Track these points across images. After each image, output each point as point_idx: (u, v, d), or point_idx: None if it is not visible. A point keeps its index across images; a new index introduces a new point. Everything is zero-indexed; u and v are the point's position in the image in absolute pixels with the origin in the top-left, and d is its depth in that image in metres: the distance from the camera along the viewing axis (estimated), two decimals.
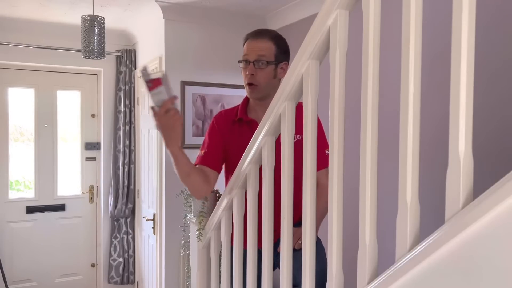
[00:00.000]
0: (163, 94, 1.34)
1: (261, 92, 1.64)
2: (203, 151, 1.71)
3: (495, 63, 1.73)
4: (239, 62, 1.66)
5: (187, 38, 3.07)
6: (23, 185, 3.80)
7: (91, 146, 3.92)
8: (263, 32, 1.65)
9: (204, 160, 1.67)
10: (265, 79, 1.62)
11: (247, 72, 1.61)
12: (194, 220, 1.75)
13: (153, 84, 1.32)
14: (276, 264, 1.38)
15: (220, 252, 1.64)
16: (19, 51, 3.44)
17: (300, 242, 1.42)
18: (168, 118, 1.36)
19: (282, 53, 1.65)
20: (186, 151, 3.31)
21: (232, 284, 1.57)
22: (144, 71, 1.34)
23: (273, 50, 1.62)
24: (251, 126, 1.67)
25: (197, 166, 1.68)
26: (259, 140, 1.33)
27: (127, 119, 3.68)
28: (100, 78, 3.86)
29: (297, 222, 1.38)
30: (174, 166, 1.54)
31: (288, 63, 1.67)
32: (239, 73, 1.76)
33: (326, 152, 1.67)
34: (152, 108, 1.37)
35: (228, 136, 1.71)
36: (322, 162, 1.60)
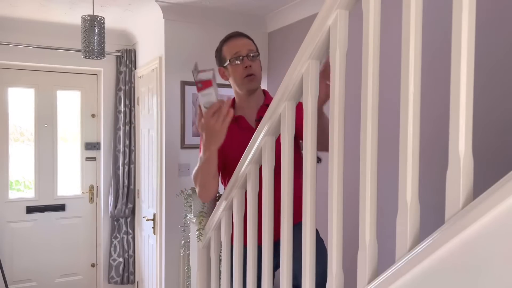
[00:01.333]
0: (212, 96, 1.35)
1: (258, 82, 1.72)
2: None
3: (495, 63, 1.73)
4: (230, 61, 1.68)
5: (187, 38, 3.07)
6: (23, 185, 3.80)
7: (91, 146, 3.92)
8: (242, 33, 1.76)
9: None
10: (259, 69, 1.73)
11: (245, 66, 1.66)
12: (194, 220, 1.75)
13: (203, 85, 1.33)
14: (277, 265, 1.38)
15: (220, 252, 1.64)
16: (19, 51, 3.44)
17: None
18: (215, 121, 1.37)
19: (257, 48, 1.76)
20: (186, 151, 3.30)
21: (232, 284, 1.57)
22: (195, 70, 1.33)
23: (254, 46, 1.74)
24: (239, 122, 1.70)
25: None
26: (259, 140, 1.33)
27: (127, 119, 3.68)
28: (100, 78, 3.86)
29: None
30: (202, 167, 1.53)
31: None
32: None
33: None
34: (199, 108, 1.38)
35: None
36: None
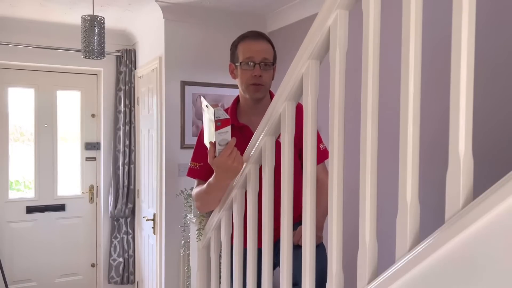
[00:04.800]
0: (228, 134, 1.37)
1: (265, 92, 1.65)
2: (198, 165, 1.68)
3: (495, 63, 1.73)
4: (241, 64, 1.61)
5: (187, 38, 3.07)
6: (23, 185, 3.80)
7: (91, 146, 3.92)
8: (262, 34, 1.66)
9: (203, 175, 1.64)
10: (269, 80, 1.64)
11: (254, 74, 1.59)
12: (194, 220, 1.75)
13: (222, 123, 1.34)
14: (276, 263, 1.38)
15: (220, 252, 1.64)
16: (19, 51, 3.44)
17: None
18: (233, 161, 1.38)
19: (275, 56, 1.69)
20: (186, 151, 3.31)
21: (232, 284, 1.57)
22: (218, 109, 1.34)
23: (272, 53, 1.65)
24: (244, 132, 1.63)
25: (196, 180, 1.68)
26: (259, 140, 1.33)
27: (127, 119, 3.68)
28: (100, 78, 3.87)
29: (298, 219, 1.38)
30: (212, 193, 1.53)
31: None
32: None
33: (321, 146, 1.67)
34: (213, 144, 1.38)
35: None
36: (318, 157, 1.59)
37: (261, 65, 1.59)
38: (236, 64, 1.64)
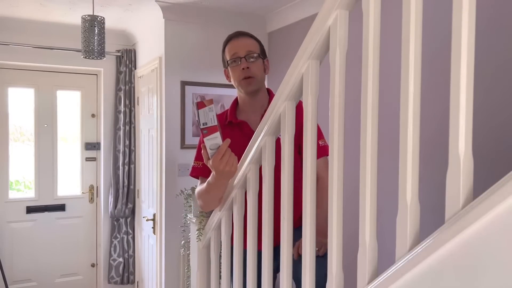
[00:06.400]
0: (218, 139, 1.37)
1: (257, 84, 1.67)
2: (201, 163, 1.69)
3: (495, 63, 1.73)
4: (228, 63, 1.66)
5: (187, 38, 3.07)
6: (23, 185, 3.80)
7: (91, 146, 3.92)
8: (243, 32, 1.71)
9: (207, 172, 1.64)
10: (259, 71, 1.67)
11: (241, 68, 1.63)
12: (194, 220, 1.75)
13: (208, 131, 1.34)
14: (277, 268, 1.37)
15: (220, 252, 1.64)
16: (19, 51, 3.44)
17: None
18: (225, 165, 1.39)
19: (263, 50, 1.72)
20: (186, 151, 3.31)
21: (232, 284, 1.57)
22: (207, 112, 1.33)
23: (257, 46, 1.69)
24: (242, 128, 1.68)
25: (199, 178, 1.70)
26: (259, 140, 1.33)
27: (127, 119, 3.68)
28: (100, 78, 3.86)
29: (299, 222, 1.38)
30: (212, 191, 1.53)
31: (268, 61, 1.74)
32: None
33: (320, 143, 1.68)
34: (205, 148, 1.39)
35: None
36: (318, 153, 1.60)
37: (247, 57, 1.63)
38: (227, 66, 1.69)
